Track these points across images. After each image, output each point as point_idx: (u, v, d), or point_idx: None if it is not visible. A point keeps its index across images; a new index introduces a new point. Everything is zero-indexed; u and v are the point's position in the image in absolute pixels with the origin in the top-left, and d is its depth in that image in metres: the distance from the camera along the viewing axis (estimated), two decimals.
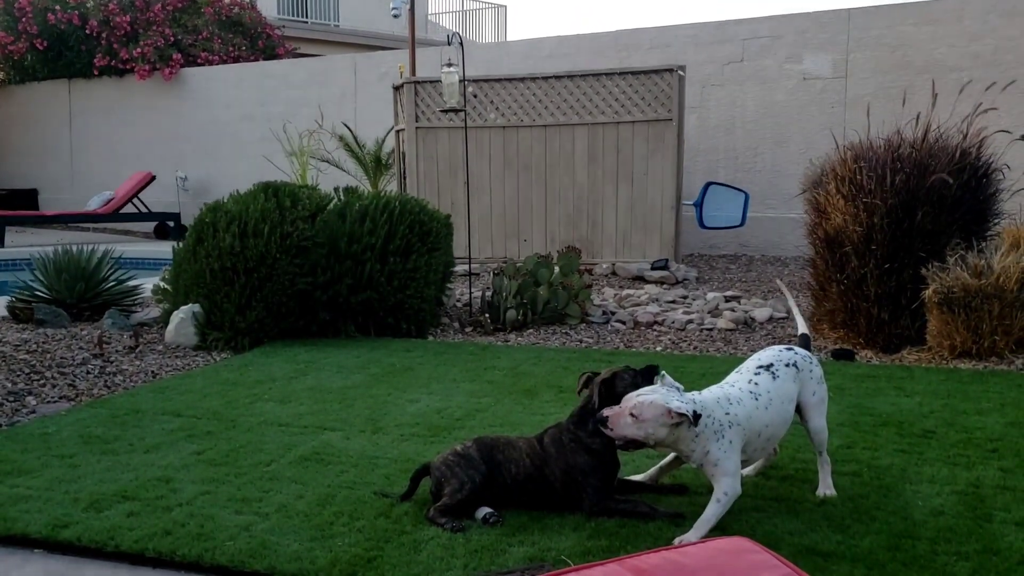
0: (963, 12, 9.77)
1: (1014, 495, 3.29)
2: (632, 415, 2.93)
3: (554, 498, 3.22)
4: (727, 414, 3.04)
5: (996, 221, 6.19)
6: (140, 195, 15.09)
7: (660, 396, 2.94)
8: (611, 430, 2.98)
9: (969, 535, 2.95)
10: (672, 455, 3.32)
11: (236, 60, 17.03)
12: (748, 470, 3.44)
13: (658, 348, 6.19)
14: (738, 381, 3.24)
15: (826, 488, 3.34)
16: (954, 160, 5.79)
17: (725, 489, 2.99)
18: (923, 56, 9.95)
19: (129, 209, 15.04)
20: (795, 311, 3.92)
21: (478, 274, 9.24)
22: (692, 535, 2.94)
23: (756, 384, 3.20)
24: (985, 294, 5.36)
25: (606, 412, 2.99)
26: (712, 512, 2.97)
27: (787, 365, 3.28)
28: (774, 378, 3.23)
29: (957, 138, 6.00)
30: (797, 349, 3.38)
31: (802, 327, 3.75)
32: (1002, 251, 5.57)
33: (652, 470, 3.45)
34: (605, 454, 3.18)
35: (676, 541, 2.87)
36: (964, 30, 9.75)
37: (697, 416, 2.92)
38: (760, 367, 3.27)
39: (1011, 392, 4.70)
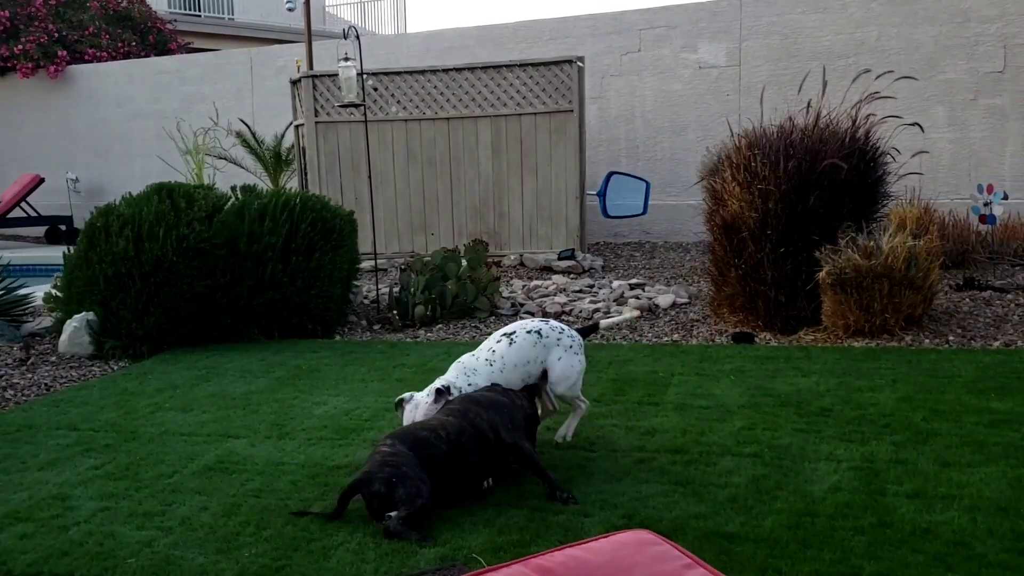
0: (848, 0, 10.10)
1: (905, 468, 3.43)
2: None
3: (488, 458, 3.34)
4: (469, 385, 3.60)
5: (884, 203, 6.42)
6: (28, 198, 14.49)
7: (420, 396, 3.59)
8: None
9: (865, 509, 3.07)
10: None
11: (126, 56, 16.44)
12: None
13: None
14: (481, 350, 3.77)
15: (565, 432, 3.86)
16: (844, 145, 5.98)
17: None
18: (812, 44, 10.25)
19: (17, 213, 14.44)
20: (619, 319, 4.87)
21: (385, 270, 9.16)
22: None
23: (493, 351, 3.71)
24: (875, 274, 5.56)
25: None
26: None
27: (528, 332, 3.73)
28: (511, 344, 3.70)
29: (847, 124, 6.20)
30: (551, 322, 3.84)
31: (605, 322, 4.53)
32: (890, 232, 5.79)
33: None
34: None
35: None
36: (849, 18, 10.08)
37: (446, 389, 3.56)
38: (503, 335, 3.75)
39: (901, 368, 4.90)
